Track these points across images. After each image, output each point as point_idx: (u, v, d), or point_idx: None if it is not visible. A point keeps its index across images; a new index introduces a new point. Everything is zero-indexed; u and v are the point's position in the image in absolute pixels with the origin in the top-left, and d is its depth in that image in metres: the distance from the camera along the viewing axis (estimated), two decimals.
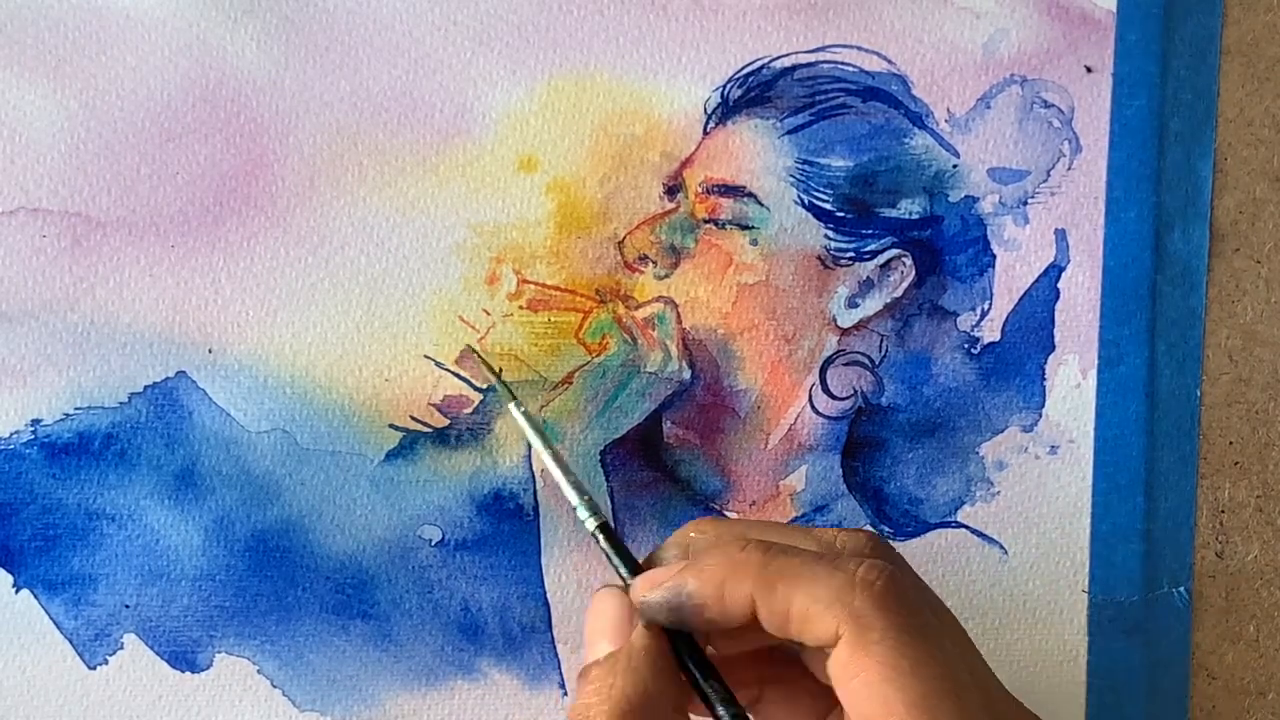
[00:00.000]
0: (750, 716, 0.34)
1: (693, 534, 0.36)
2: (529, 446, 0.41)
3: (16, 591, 0.40)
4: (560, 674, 0.41)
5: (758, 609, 0.33)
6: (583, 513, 0.36)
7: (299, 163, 0.41)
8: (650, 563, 0.35)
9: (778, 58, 0.42)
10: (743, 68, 0.41)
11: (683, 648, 0.34)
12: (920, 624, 0.32)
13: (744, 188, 0.42)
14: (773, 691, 0.37)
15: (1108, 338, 0.42)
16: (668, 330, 0.42)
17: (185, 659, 0.41)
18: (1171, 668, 0.42)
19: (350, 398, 0.41)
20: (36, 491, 0.40)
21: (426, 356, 0.41)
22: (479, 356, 0.40)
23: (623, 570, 0.35)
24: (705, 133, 0.41)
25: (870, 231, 0.42)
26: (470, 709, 0.41)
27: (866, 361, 0.42)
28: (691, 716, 0.34)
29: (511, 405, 0.38)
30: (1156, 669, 0.42)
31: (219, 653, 0.41)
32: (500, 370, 0.40)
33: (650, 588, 0.34)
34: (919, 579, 0.34)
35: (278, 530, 0.41)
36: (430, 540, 0.41)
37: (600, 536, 0.36)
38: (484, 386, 0.41)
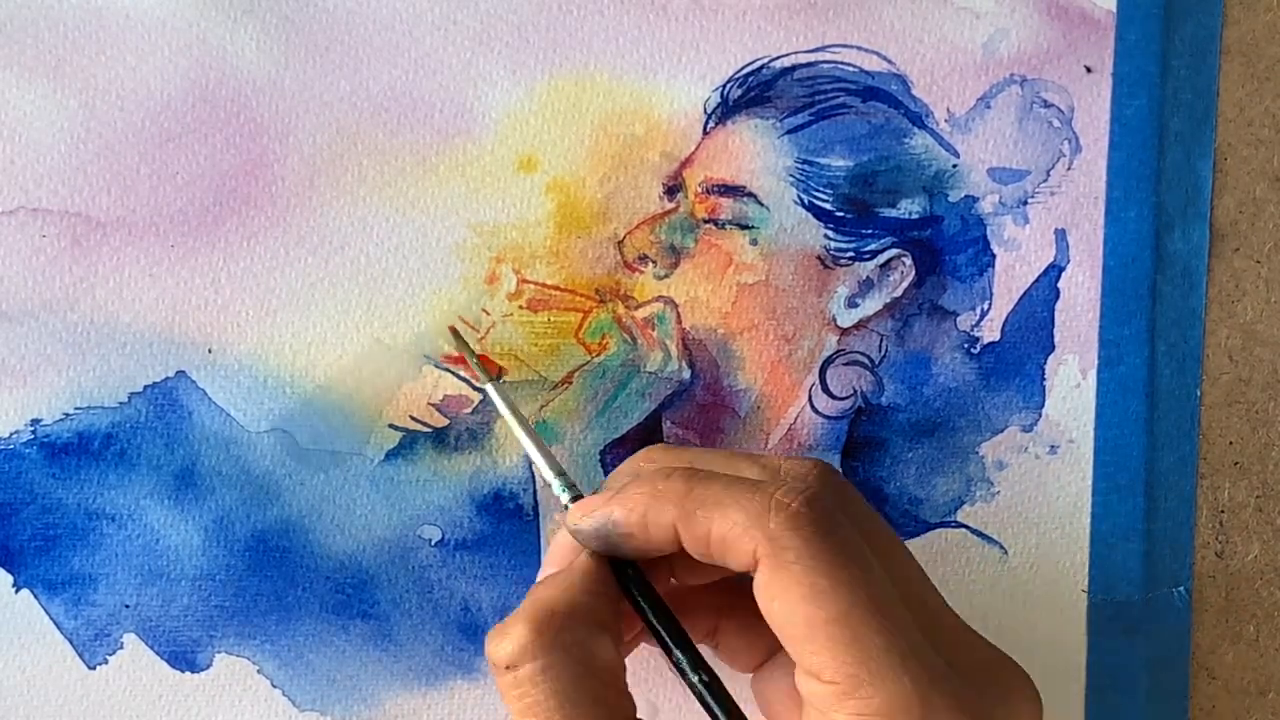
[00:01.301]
0: (694, 644, 0.34)
1: (642, 463, 0.36)
2: None
3: (16, 591, 0.40)
4: None
5: (681, 536, 0.33)
6: (557, 487, 0.37)
7: (299, 163, 0.41)
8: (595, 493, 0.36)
9: (778, 58, 0.42)
10: (743, 68, 0.41)
11: (627, 578, 0.34)
12: (839, 542, 0.32)
13: (744, 188, 0.42)
14: (729, 623, 0.37)
15: (1108, 338, 0.42)
16: (668, 330, 0.42)
17: (185, 659, 0.41)
18: (1171, 668, 0.42)
19: (350, 398, 0.41)
20: (36, 491, 0.40)
21: (426, 356, 0.41)
22: (459, 339, 0.40)
23: (565, 499, 0.36)
24: (705, 133, 0.41)
25: (870, 231, 0.42)
26: (470, 709, 0.41)
27: (866, 361, 0.42)
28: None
29: (489, 386, 0.38)
30: (1156, 669, 0.42)
31: (219, 653, 0.41)
32: (477, 353, 0.40)
33: (581, 515, 0.34)
34: (855, 502, 0.34)
35: (278, 530, 0.41)
36: (430, 540, 0.41)
37: (568, 500, 0.36)
38: (483, 387, 0.41)
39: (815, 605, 0.31)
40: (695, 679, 0.33)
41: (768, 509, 0.32)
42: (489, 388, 0.38)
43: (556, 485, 0.37)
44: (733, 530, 0.32)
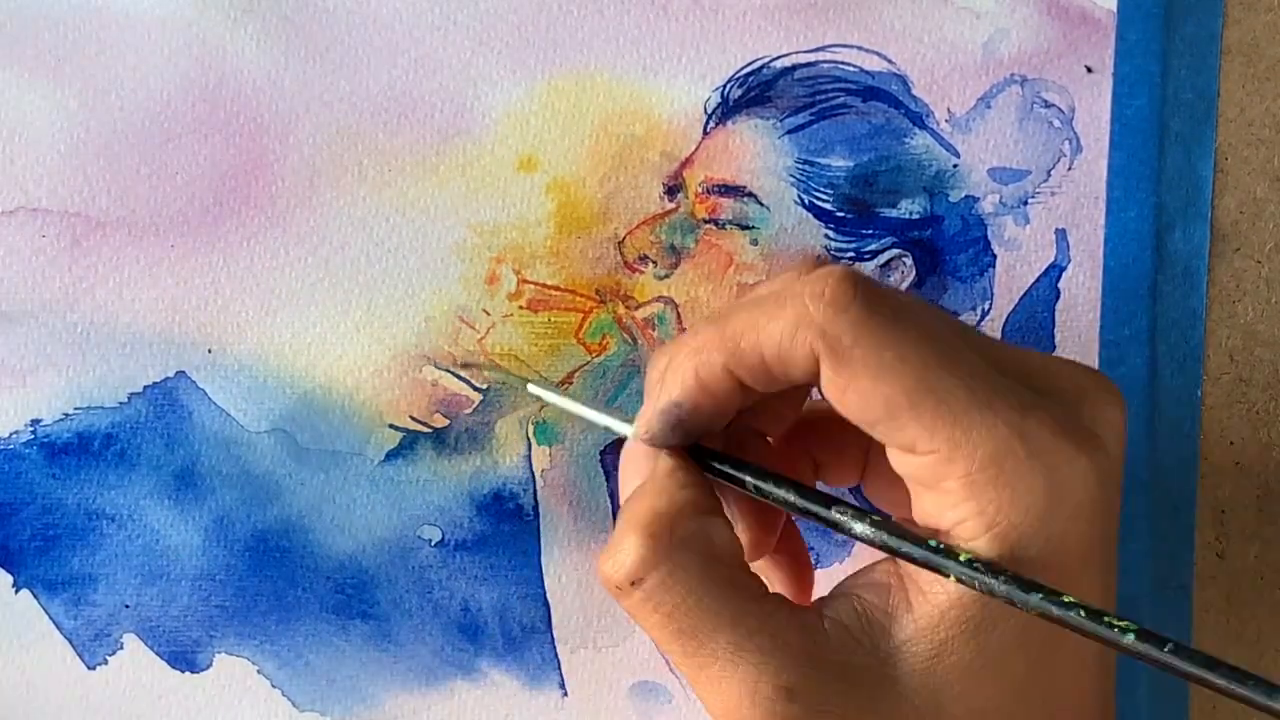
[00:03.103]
0: (796, 483, 0.33)
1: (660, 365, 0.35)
2: (529, 447, 0.41)
3: (16, 591, 0.40)
4: (560, 674, 0.41)
5: (741, 377, 0.32)
6: (618, 425, 0.36)
7: (299, 163, 0.41)
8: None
9: (778, 58, 0.42)
10: (743, 68, 0.41)
11: (707, 457, 0.34)
12: (888, 312, 0.31)
13: (744, 188, 0.42)
14: (874, 464, 0.36)
15: (1108, 338, 0.42)
16: (668, 330, 0.42)
17: (185, 659, 0.41)
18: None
19: (350, 398, 0.41)
20: (36, 491, 0.40)
21: (426, 356, 0.41)
22: (479, 365, 0.40)
23: (624, 426, 0.35)
24: (705, 133, 0.41)
25: (870, 231, 0.42)
26: (470, 709, 0.41)
27: None
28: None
29: (531, 385, 0.38)
30: (1156, 669, 0.42)
31: (219, 653, 0.41)
32: (499, 367, 0.40)
33: (647, 424, 0.34)
34: (870, 279, 0.33)
35: (278, 530, 0.41)
36: (430, 540, 0.41)
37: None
38: (483, 386, 0.41)
39: (887, 381, 0.30)
40: (859, 528, 0.32)
41: (804, 305, 0.31)
42: (532, 388, 0.38)
43: (614, 421, 0.36)
44: (782, 340, 0.31)
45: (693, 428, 0.33)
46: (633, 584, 0.31)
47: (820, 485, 0.37)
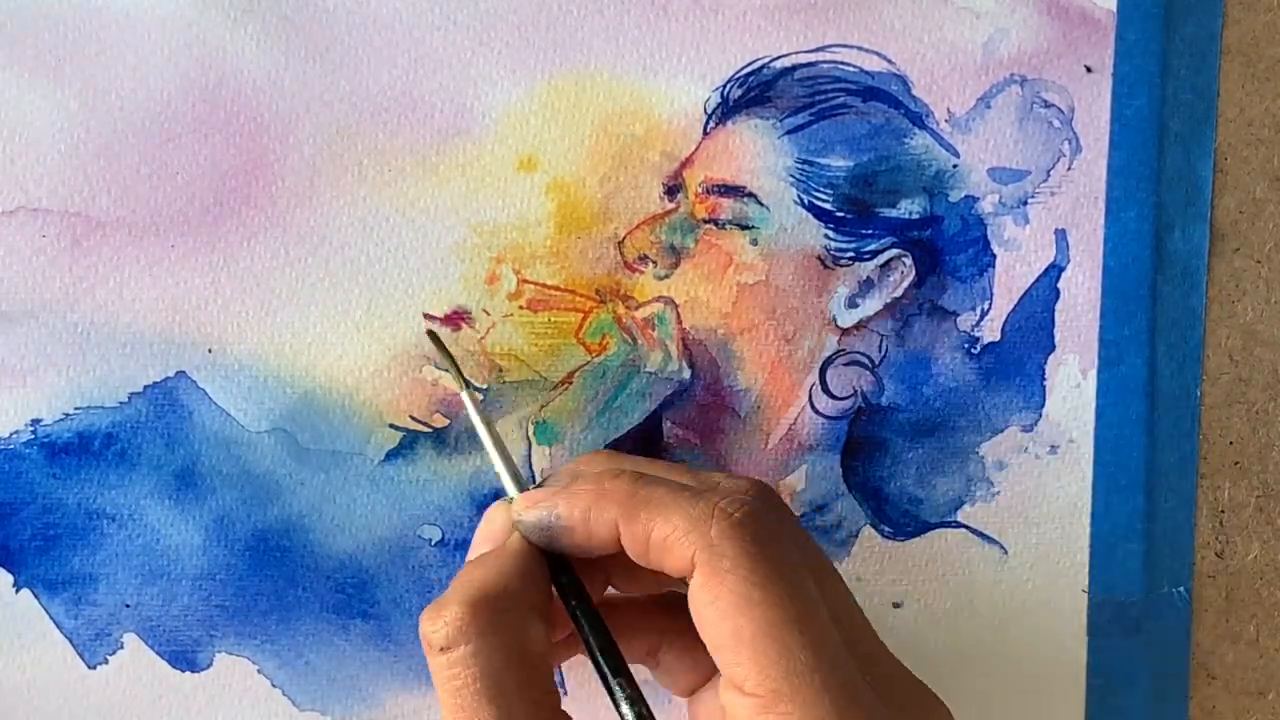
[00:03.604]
0: (619, 649, 0.34)
1: (583, 465, 0.36)
2: (529, 447, 0.41)
3: (16, 591, 0.40)
4: (560, 673, 0.41)
5: (621, 535, 0.33)
6: (506, 478, 0.37)
7: (299, 163, 0.41)
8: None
9: (778, 58, 0.42)
10: (743, 68, 0.41)
11: (560, 572, 0.35)
12: (776, 555, 0.32)
13: (744, 188, 0.42)
14: (669, 645, 0.37)
15: (1108, 338, 0.42)
16: (668, 330, 0.42)
17: (185, 659, 0.41)
18: (1171, 668, 0.42)
19: (350, 398, 0.41)
20: (36, 491, 0.40)
21: (426, 356, 0.41)
22: (438, 343, 0.40)
23: (511, 487, 0.36)
24: (705, 133, 0.41)
25: (870, 231, 0.42)
26: None
27: (866, 361, 0.42)
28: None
29: (464, 393, 0.38)
30: (1156, 669, 0.42)
31: (219, 652, 0.41)
32: (455, 358, 0.40)
33: (526, 507, 0.35)
34: (792, 522, 0.34)
35: (278, 530, 0.41)
36: (430, 540, 0.41)
37: (495, 454, 0.37)
38: (483, 387, 0.41)
39: (745, 615, 0.31)
40: (630, 711, 0.33)
41: (710, 516, 0.32)
42: (465, 396, 0.38)
43: (506, 477, 0.37)
44: (674, 533, 0.32)
45: (556, 541, 0.34)
46: (442, 649, 0.32)
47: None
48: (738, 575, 0.32)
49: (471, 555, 0.36)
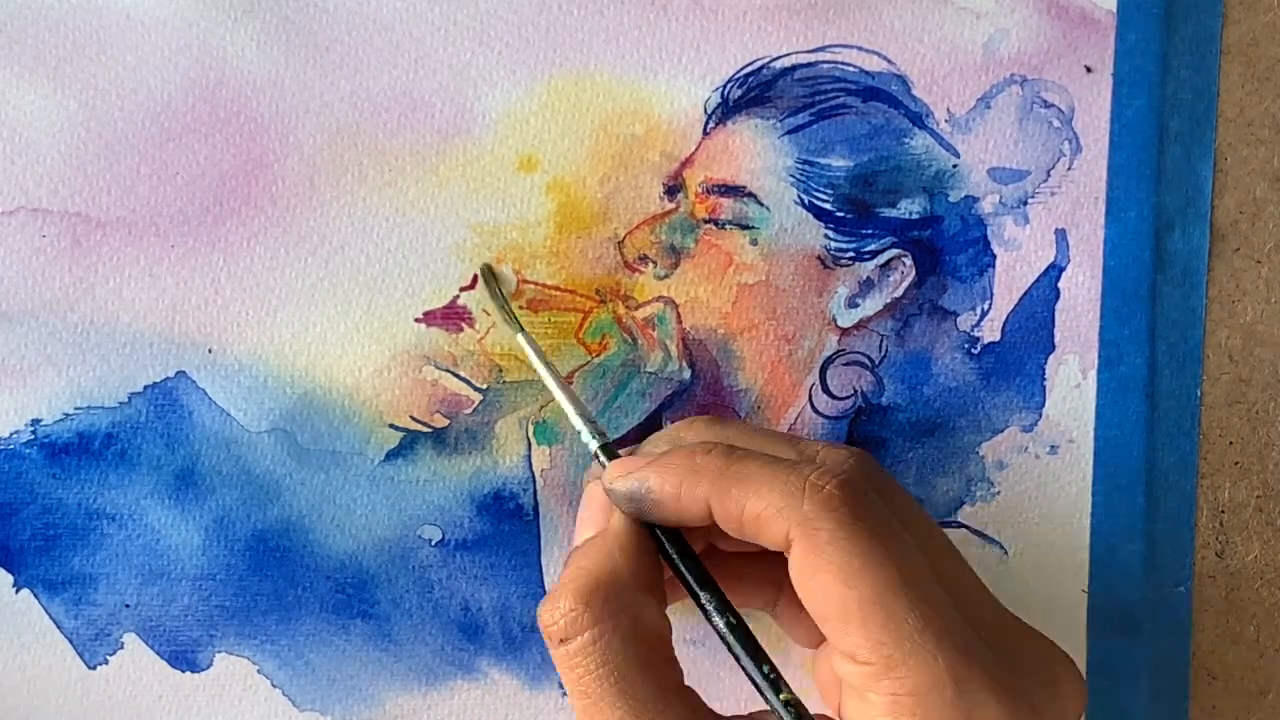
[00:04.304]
0: (733, 608, 0.34)
1: (683, 432, 0.36)
2: (529, 446, 0.41)
3: (16, 591, 0.40)
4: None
5: (714, 511, 0.33)
6: (585, 436, 0.37)
7: (299, 163, 0.41)
8: (633, 453, 0.36)
9: (778, 58, 0.42)
10: (743, 68, 0.41)
11: (665, 537, 0.35)
12: (873, 523, 0.32)
13: (744, 188, 0.42)
14: (786, 598, 0.37)
15: (1108, 338, 0.42)
16: (668, 330, 0.42)
17: (185, 659, 0.41)
18: (1171, 668, 0.42)
19: (350, 398, 0.41)
20: (36, 491, 0.40)
21: (426, 356, 0.41)
22: (491, 281, 0.40)
23: (603, 458, 0.36)
24: (705, 133, 0.41)
25: (870, 231, 0.42)
26: (470, 709, 0.41)
27: (866, 361, 0.42)
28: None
29: (520, 335, 0.38)
30: (1156, 669, 0.42)
31: (219, 652, 0.41)
32: (507, 298, 0.40)
33: (617, 476, 0.35)
34: (892, 489, 0.34)
35: (278, 530, 0.41)
36: (430, 540, 0.41)
37: (596, 447, 0.37)
38: (483, 387, 0.41)
39: (848, 585, 0.31)
40: (721, 621, 0.33)
41: (802, 490, 0.32)
42: (520, 337, 0.38)
43: (585, 433, 0.37)
44: (767, 510, 0.32)
45: (648, 513, 0.34)
46: (561, 640, 0.33)
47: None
48: (836, 547, 0.31)
49: (577, 539, 0.36)
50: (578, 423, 0.37)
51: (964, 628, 0.31)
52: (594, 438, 0.37)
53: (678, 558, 0.35)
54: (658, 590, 0.34)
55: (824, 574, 0.31)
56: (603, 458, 0.36)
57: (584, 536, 0.36)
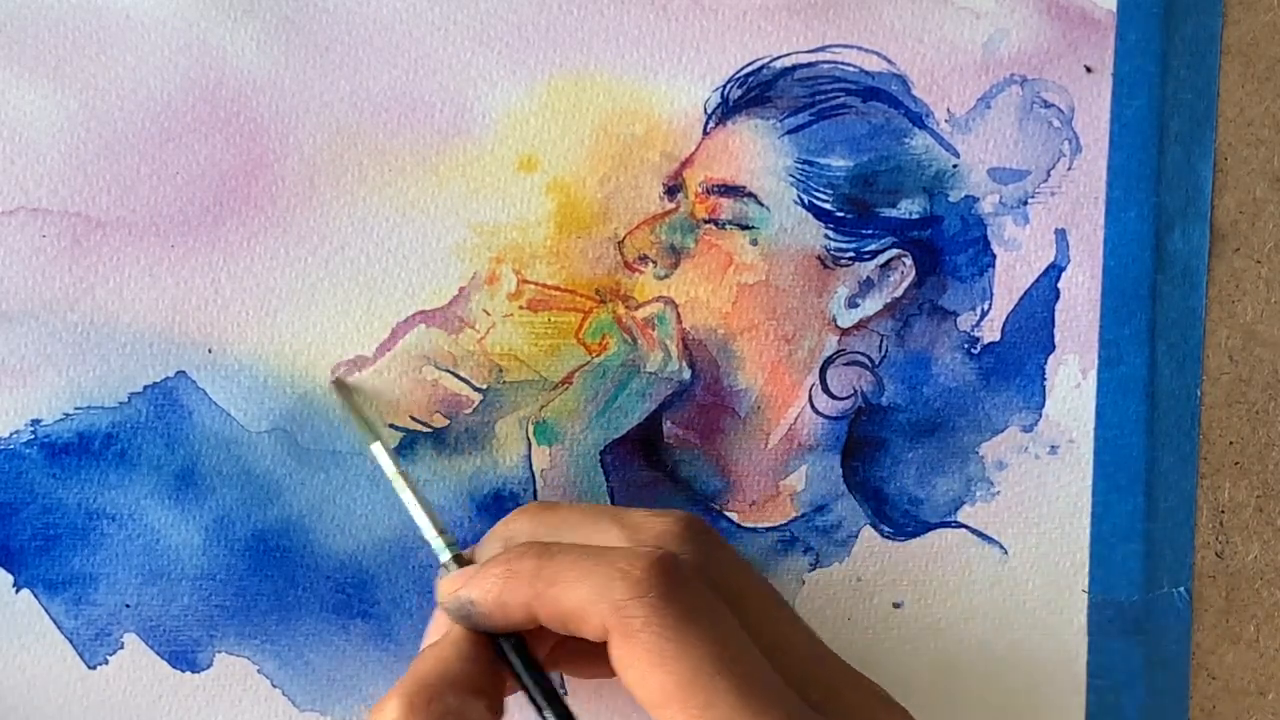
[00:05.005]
0: (570, 714, 0.34)
1: (512, 526, 0.36)
2: (529, 446, 0.41)
3: (16, 591, 0.40)
4: (559, 674, 0.41)
5: (537, 614, 0.33)
6: (436, 547, 0.37)
7: (299, 163, 0.41)
8: (467, 559, 0.36)
9: (778, 58, 0.42)
10: (743, 68, 0.41)
11: (507, 644, 0.35)
12: (685, 602, 0.32)
13: (744, 188, 0.42)
14: None
15: (1108, 338, 0.42)
16: (668, 330, 0.42)
17: (185, 659, 0.41)
18: (1171, 668, 0.42)
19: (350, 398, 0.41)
20: (36, 491, 0.40)
21: (426, 357, 0.41)
22: (345, 392, 0.40)
23: (445, 558, 0.37)
24: (705, 133, 0.41)
25: (870, 231, 0.42)
26: None
27: (866, 361, 0.42)
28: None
29: (374, 445, 0.38)
30: (1156, 669, 0.42)
31: (219, 652, 0.41)
32: (367, 412, 0.40)
33: (445, 594, 0.35)
34: (717, 552, 0.34)
35: (278, 530, 0.41)
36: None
37: (448, 558, 0.37)
38: (483, 387, 0.41)
39: (664, 670, 0.31)
40: None
41: (612, 579, 0.32)
42: (374, 447, 0.38)
43: (436, 544, 0.37)
44: (580, 605, 0.32)
45: (477, 627, 0.35)
46: None
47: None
48: (649, 632, 0.31)
49: (424, 643, 0.36)
50: (430, 534, 0.37)
51: (789, 696, 0.32)
52: (445, 549, 0.37)
53: (518, 664, 0.35)
54: (490, 693, 0.34)
55: (640, 661, 0.31)
56: (453, 570, 0.36)
57: (429, 642, 0.36)
